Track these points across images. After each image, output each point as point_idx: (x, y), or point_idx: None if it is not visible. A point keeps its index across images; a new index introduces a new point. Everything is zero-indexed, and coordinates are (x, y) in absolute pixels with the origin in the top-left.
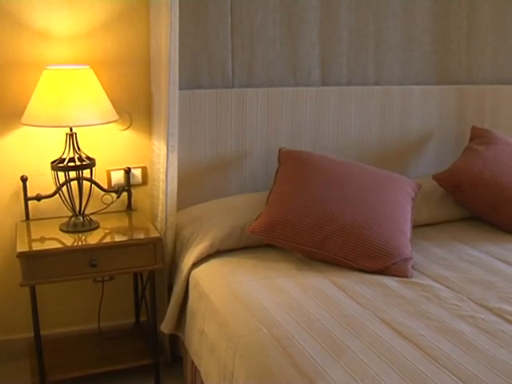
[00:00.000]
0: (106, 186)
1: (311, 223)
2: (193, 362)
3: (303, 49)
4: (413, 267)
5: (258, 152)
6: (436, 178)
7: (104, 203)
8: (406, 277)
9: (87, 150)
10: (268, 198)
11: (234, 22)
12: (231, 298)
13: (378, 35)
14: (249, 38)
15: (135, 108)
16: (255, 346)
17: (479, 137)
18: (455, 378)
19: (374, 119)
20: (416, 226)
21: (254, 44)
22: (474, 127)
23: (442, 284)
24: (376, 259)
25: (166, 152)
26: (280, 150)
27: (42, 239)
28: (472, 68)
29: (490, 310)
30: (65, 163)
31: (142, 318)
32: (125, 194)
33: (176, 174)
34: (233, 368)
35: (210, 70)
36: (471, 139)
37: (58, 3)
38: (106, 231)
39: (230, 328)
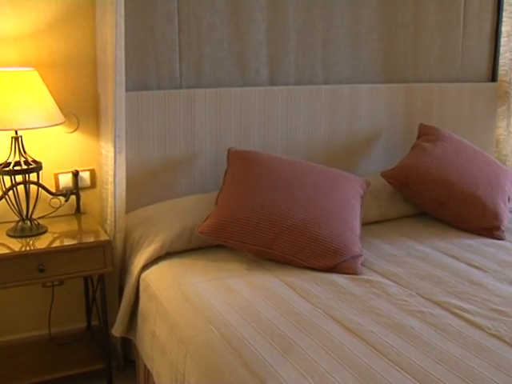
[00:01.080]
0: (53, 190)
1: (260, 223)
2: (145, 365)
3: (251, 49)
4: (362, 264)
5: (208, 152)
6: (384, 175)
7: (52, 207)
8: (356, 274)
9: (34, 153)
10: (217, 199)
11: (181, 22)
12: (181, 299)
13: (326, 35)
14: (196, 38)
15: (82, 110)
16: (206, 347)
17: (426, 134)
18: (404, 373)
19: (322, 118)
20: (365, 224)
21: (201, 44)
22: (421, 125)
23: (391, 280)
24: (326, 257)
25: (113, 154)
26: (229, 150)
27: None
28: (419, 66)
29: (438, 304)
30: (10, 167)
31: (94, 323)
32: (73, 197)
33: (124, 175)
34: (184, 370)
35: (158, 70)
36: (419, 136)
37: (0, 3)
38: (55, 235)
39: (181, 330)
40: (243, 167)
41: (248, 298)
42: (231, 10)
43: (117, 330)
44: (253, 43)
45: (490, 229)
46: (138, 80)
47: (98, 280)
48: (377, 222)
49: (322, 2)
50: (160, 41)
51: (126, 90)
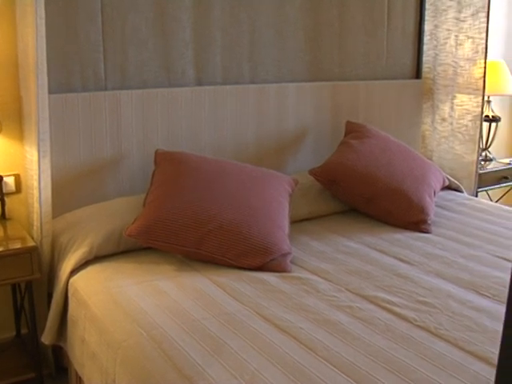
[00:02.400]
0: None
1: (188, 223)
2: (77, 372)
3: (176, 49)
4: (292, 262)
5: (135, 154)
6: (312, 173)
7: None
8: (286, 272)
9: None
10: (145, 201)
11: (105, 23)
12: (110, 303)
13: (252, 34)
14: (121, 40)
15: (5, 113)
16: (135, 350)
17: (353, 131)
18: (332, 367)
19: (250, 117)
20: (295, 221)
21: (126, 45)
22: (348, 122)
23: (320, 276)
24: (255, 256)
25: (37, 158)
26: (156, 151)
27: None
28: (345, 65)
29: (366, 298)
30: None
31: (23, 331)
32: None
33: (49, 180)
34: (114, 374)
35: (82, 72)
36: (346, 134)
37: None
38: None
39: (110, 334)
40: (170, 168)
41: (177, 299)
42: (156, 10)
43: (46, 338)
44: (178, 43)
45: (416, 223)
46: (62, 82)
47: (25, 287)
48: (306, 220)
49: (247, 1)
50: (84, 42)
51: (50, 93)
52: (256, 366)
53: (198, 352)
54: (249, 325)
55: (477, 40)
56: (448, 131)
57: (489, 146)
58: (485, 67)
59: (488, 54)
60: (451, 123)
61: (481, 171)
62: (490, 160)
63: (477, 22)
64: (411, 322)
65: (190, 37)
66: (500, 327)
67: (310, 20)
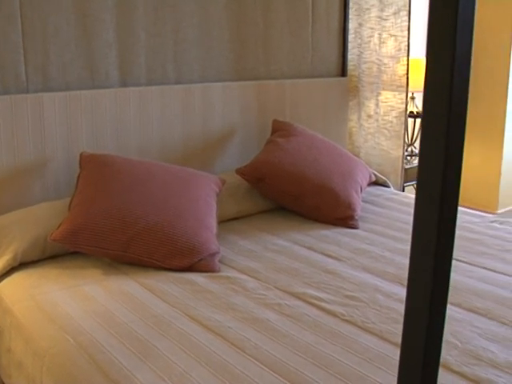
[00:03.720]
0: None
1: (114, 226)
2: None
3: (100, 50)
4: (220, 261)
5: (60, 158)
6: (239, 172)
7: None
8: (214, 271)
9: None
10: (70, 204)
11: (25, 24)
12: (35, 310)
13: (176, 34)
14: (42, 40)
15: None
16: (61, 357)
17: (280, 130)
18: (261, 365)
19: (176, 118)
20: (223, 221)
21: (47, 46)
22: (274, 120)
23: (248, 275)
24: (182, 257)
25: None
26: (81, 154)
27: None
28: (270, 63)
29: (295, 295)
30: None
31: None
32: None
33: None
34: (41, 383)
35: (2, 75)
36: (272, 132)
37: None
38: None
39: (36, 342)
40: (96, 171)
41: (105, 303)
42: (77, 11)
43: None
44: (101, 44)
45: (344, 218)
46: None
47: None
48: (234, 219)
49: (171, 1)
50: (2, 43)
51: None
52: (184, 367)
53: (126, 355)
54: (177, 326)
55: (399, 38)
56: (374, 128)
57: (414, 142)
58: (408, 64)
59: (411, 52)
60: (377, 120)
61: (407, 166)
62: (416, 155)
63: (399, 21)
64: (339, 317)
65: (113, 37)
66: None
67: (235, 19)
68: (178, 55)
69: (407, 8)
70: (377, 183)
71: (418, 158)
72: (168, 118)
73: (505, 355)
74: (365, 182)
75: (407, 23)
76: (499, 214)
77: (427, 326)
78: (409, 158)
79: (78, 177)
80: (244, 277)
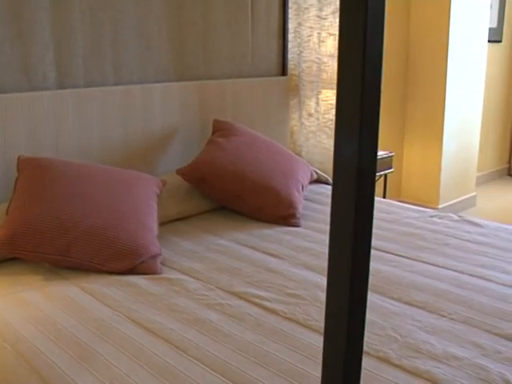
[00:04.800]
0: None
1: (53, 231)
2: None
3: (36, 52)
4: (162, 263)
5: None
6: (179, 172)
7: None
8: (156, 273)
9: None
10: (7, 209)
11: None
12: None
13: (115, 35)
14: None
15: None
16: None
17: (220, 129)
18: (203, 366)
19: (116, 120)
20: (165, 222)
21: None
22: (215, 120)
23: (190, 276)
24: (123, 260)
25: None
26: (19, 157)
27: None
28: (210, 63)
29: (237, 295)
30: None
31: None
32: None
33: None
34: None
35: None
36: (213, 132)
37: None
38: None
39: None
40: (34, 174)
41: (44, 309)
42: (11, 11)
43: None
44: (38, 46)
45: (286, 217)
46: None
47: None
48: (176, 220)
49: (108, 2)
50: None
51: None
52: (126, 370)
53: (66, 361)
54: (118, 330)
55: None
56: (315, 126)
57: None
58: None
59: None
60: (318, 118)
61: None
62: None
63: (337, 20)
64: (281, 315)
65: (49, 39)
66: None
67: (174, 19)
68: (117, 56)
69: None
70: (319, 181)
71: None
72: (108, 120)
73: (443, 347)
74: (306, 181)
75: None
76: (440, 208)
77: (348, 318)
78: None
79: (16, 181)
80: (186, 278)
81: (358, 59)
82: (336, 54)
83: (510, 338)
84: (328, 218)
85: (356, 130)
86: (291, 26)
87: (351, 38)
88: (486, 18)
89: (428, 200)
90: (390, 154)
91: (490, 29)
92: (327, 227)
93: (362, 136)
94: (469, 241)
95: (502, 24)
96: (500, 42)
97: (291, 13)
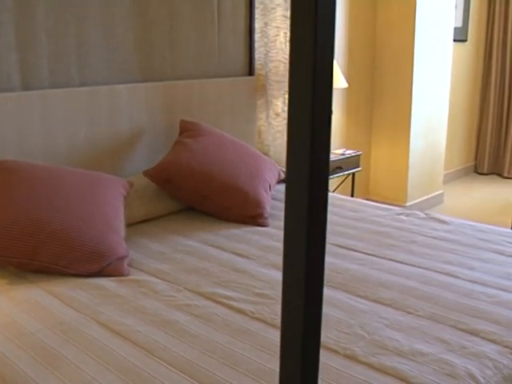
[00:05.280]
0: None
1: (19, 234)
2: None
3: (0, 53)
4: (130, 265)
5: None
6: (146, 173)
7: None
8: (123, 275)
9: None
10: None
11: None
12: None
13: (80, 36)
14: None
15: None
16: None
17: (187, 130)
18: (170, 367)
19: (81, 121)
20: (132, 224)
21: None
22: (182, 121)
23: (158, 277)
24: (90, 262)
25: None
26: None
27: None
28: (177, 64)
29: (204, 295)
30: None
31: None
32: None
33: None
34: None
35: None
36: (180, 133)
37: None
38: None
39: None
40: None
41: (10, 313)
42: None
43: None
44: (1, 47)
45: (253, 217)
46: None
47: None
48: (144, 221)
49: (73, 3)
50: None
51: None
52: (93, 374)
53: (33, 366)
54: (85, 333)
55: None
56: (282, 126)
57: None
58: None
59: None
60: (285, 118)
61: None
62: None
63: None
64: (248, 315)
65: (13, 40)
66: (332, 312)
67: (140, 20)
68: (82, 57)
69: None
70: None
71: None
72: (73, 122)
73: (409, 343)
74: (274, 180)
75: None
76: (408, 206)
77: (304, 312)
78: None
79: None
80: (153, 279)
81: (308, 64)
82: None
83: (474, 333)
84: None
85: (308, 131)
86: (258, 25)
87: (302, 44)
88: (451, 18)
89: (396, 198)
90: (358, 153)
91: (456, 28)
92: None
93: (313, 136)
94: (435, 238)
95: (467, 23)
96: (465, 41)
97: (257, 13)
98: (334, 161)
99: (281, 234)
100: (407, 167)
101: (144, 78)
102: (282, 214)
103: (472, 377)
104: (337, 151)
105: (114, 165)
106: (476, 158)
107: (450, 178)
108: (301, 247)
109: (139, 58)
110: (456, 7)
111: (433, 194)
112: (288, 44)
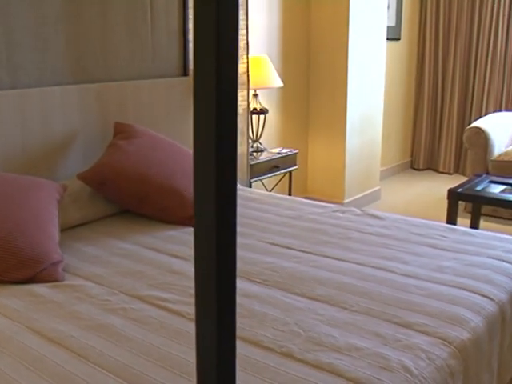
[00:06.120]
0: None
1: None
2: None
3: None
4: (64, 270)
5: None
6: (80, 177)
7: None
8: (58, 281)
9: None
10: None
11: None
12: None
13: (9, 37)
14: None
15: None
16: None
17: (122, 132)
18: (106, 372)
19: (13, 125)
20: (67, 228)
21: None
22: (116, 123)
23: (93, 282)
24: (23, 268)
25: None
26: None
27: None
28: (110, 65)
29: (140, 298)
30: None
31: None
32: None
33: None
34: None
35: None
36: (115, 135)
37: None
38: None
39: None
40: None
41: None
42: None
43: None
44: None
45: (190, 217)
46: None
47: None
48: (79, 225)
49: (0, 2)
50: None
51: None
52: (25, 382)
53: None
54: (18, 341)
55: (238, 37)
56: None
57: (259, 138)
58: (248, 62)
59: (252, 50)
60: None
61: (253, 162)
62: (262, 151)
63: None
64: (184, 317)
65: None
66: (268, 310)
67: (71, 21)
68: (12, 59)
69: (245, 7)
70: None
71: (260, 152)
72: (4, 125)
73: (345, 338)
74: None
75: (245, 22)
76: (345, 203)
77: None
78: (254, 154)
79: None
80: (89, 284)
81: (211, 73)
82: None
83: (408, 325)
84: None
85: (213, 130)
86: (191, 26)
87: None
88: (384, 17)
89: (334, 195)
90: (294, 152)
91: (389, 27)
92: None
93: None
94: (371, 234)
95: (400, 22)
96: (399, 39)
97: (191, 13)
98: (270, 160)
99: None
100: (344, 165)
101: (77, 80)
102: None
103: (406, 369)
104: (273, 150)
105: (48, 169)
106: (412, 154)
107: (386, 175)
108: (212, 245)
109: (71, 60)
110: (389, 7)
111: (370, 191)
112: None
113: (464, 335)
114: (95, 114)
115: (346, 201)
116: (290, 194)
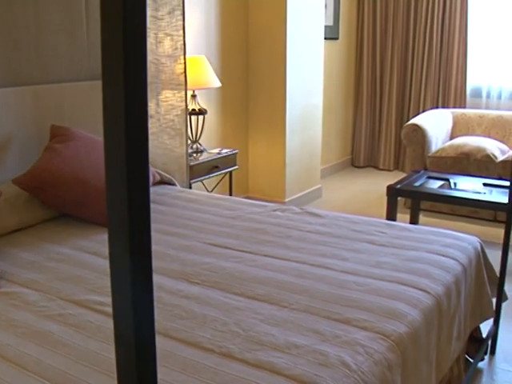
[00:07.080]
0: None
1: None
2: None
3: None
4: (0, 277)
5: None
6: (15, 181)
7: None
8: None
9: None
10: None
11: None
12: None
13: None
14: None
15: None
16: None
17: (58, 135)
18: (43, 380)
19: None
20: (4, 234)
21: None
22: (52, 126)
23: (30, 288)
24: None
25: None
26: None
27: None
28: (46, 67)
29: (78, 303)
30: None
31: None
32: None
33: None
34: None
35: None
36: (51, 138)
37: None
38: None
39: None
40: None
41: None
42: None
43: None
44: None
45: None
46: None
47: None
48: (16, 231)
49: None
50: None
51: None
52: None
53: None
54: None
55: (175, 37)
56: (157, 127)
57: (199, 138)
58: (185, 63)
59: (187, 51)
60: (159, 119)
61: (193, 163)
62: (202, 151)
63: (174, 20)
64: None
65: None
66: (208, 311)
67: (3, 24)
68: None
69: (181, 8)
70: (162, 182)
71: (200, 153)
72: None
73: (285, 337)
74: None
75: (182, 22)
76: (287, 202)
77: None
78: (194, 155)
79: None
80: (25, 290)
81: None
82: (173, 54)
83: (347, 321)
84: (171, 219)
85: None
86: None
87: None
88: (322, 17)
89: (275, 195)
90: (234, 152)
91: (327, 27)
92: (170, 228)
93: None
94: (310, 232)
95: (338, 22)
96: (337, 39)
97: None
98: (210, 160)
99: (156, 236)
100: (284, 164)
101: (11, 83)
102: (158, 215)
103: (344, 364)
104: (213, 150)
105: None
106: (352, 152)
107: (327, 173)
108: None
109: (4, 62)
110: (326, 7)
111: (311, 189)
112: (158, 45)
113: (401, 329)
114: (31, 117)
115: (287, 199)
116: (230, 195)
